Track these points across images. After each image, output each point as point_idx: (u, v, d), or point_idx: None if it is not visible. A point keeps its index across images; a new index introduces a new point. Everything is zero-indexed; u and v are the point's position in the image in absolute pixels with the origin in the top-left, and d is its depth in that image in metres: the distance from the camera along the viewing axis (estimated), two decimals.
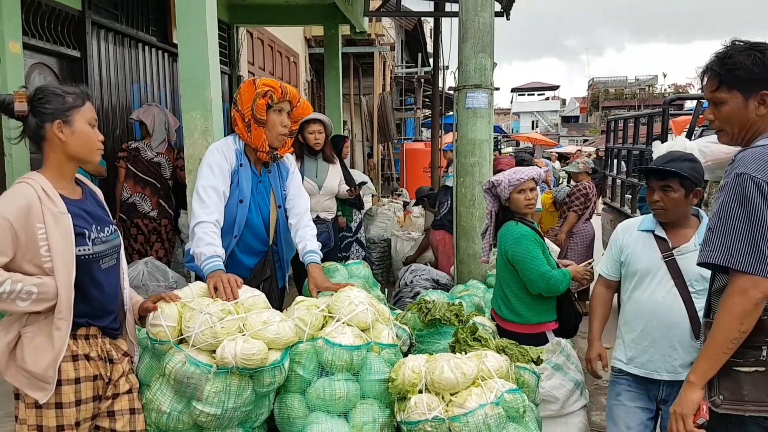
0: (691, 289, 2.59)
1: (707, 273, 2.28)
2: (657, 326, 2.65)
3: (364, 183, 6.47)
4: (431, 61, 14.04)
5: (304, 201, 3.23)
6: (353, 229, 6.62)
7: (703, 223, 2.64)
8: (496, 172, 6.95)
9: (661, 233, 2.68)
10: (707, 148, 4.22)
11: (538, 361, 3.05)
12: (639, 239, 2.75)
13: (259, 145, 3.02)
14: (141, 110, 5.56)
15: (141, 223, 5.37)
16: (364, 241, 6.87)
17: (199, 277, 2.82)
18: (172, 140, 5.52)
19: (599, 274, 2.99)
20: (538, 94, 67.40)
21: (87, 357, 2.13)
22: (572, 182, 7.04)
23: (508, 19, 7.61)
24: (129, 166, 5.36)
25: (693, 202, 2.63)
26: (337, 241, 5.42)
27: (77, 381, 2.09)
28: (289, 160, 3.29)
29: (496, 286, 3.57)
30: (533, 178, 3.43)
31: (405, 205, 10.17)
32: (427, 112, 20.02)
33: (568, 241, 6.65)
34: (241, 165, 3.03)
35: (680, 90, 40.82)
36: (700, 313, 2.47)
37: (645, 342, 2.68)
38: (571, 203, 6.67)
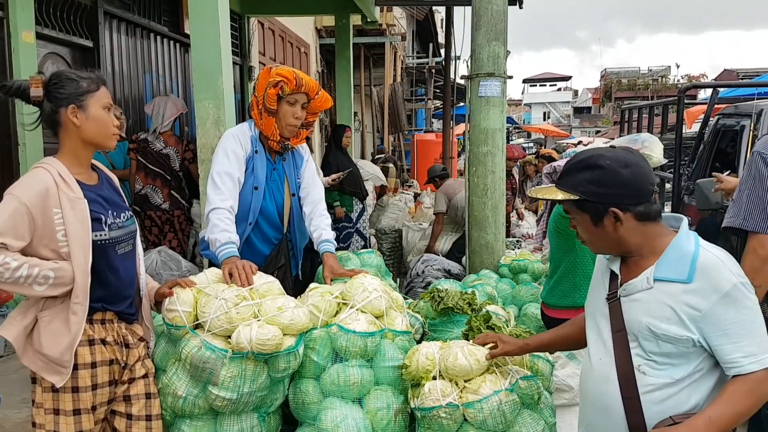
0: (634, 351, 1.71)
1: (664, 329, 1.64)
2: (592, 409, 1.83)
3: (349, 170, 6.37)
4: (443, 51, 13.99)
5: (319, 190, 3.23)
6: (353, 220, 6.57)
7: (677, 243, 1.70)
8: (508, 159, 6.91)
9: (613, 264, 1.82)
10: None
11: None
12: (599, 270, 1.92)
13: (270, 134, 3.01)
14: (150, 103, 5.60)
15: (154, 215, 5.40)
16: (365, 232, 6.79)
17: (214, 265, 2.83)
18: (159, 125, 5.41)
19: None
20: (550, 85, 67.07)
21: (103, 342, 2.14)
22: None
23: (521, 7, 7.55)
24: (139, 158, 5.37)
25: (617, 228, 1.71)
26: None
27: (93, 365, 2.10)
28: (304, 148, 3.28)
29: (549, 274, 3.49)
30: None
31: (416, 196, 10.16)
32: (438, 103, 19.95)
33: None
34: (256, 152, 3.02)
35: (694, 80, 40.40)
36: (646, 392, 1.68)
37: (582, 428, 1.92)
38: None
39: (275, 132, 3.01)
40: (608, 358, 1.76)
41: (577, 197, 1.71)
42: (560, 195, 1.75)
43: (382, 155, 12.85)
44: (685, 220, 1.77)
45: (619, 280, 1.79)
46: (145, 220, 5.39)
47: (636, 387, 1.70)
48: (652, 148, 4.65)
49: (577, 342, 2.12)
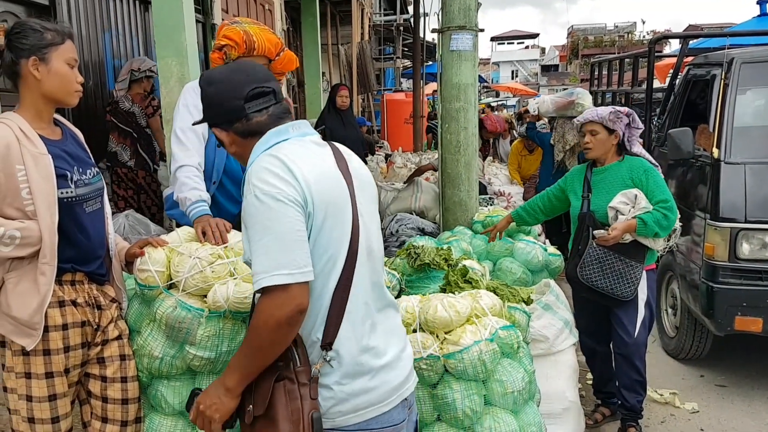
0: None
1: None
2: None
3: (321, 129, 6.28)
4: (410, 8, 13.76)
5: None
6: None
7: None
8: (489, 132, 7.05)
9: None
10: (556, 98, 6.15)
11: (528, 301, 3.06)
12: None
13: None
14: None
15: (120, 171, 5.44)
16: None
17: (180, 225, 2.75)
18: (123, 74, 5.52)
19: None
20: (518, 43, 66.82)
21: (74, 303, 2.07)
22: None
23: None
24: (112, 118, 5.42)
25: (235, 144, 1.68)
26: None
27: (65, 327, 2.04)
28: None
29: None
30: (592, 120, 3.44)
31: (387, 156, 10.09)
32: (407, 62, 19.70)
33: None
34: None
35: None
36: None
37: None
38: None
39: None
40: None
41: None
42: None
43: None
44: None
45: None
46: (112, 175, 5.43)
47: None
48: (584, 97, 5.79)
49: None
